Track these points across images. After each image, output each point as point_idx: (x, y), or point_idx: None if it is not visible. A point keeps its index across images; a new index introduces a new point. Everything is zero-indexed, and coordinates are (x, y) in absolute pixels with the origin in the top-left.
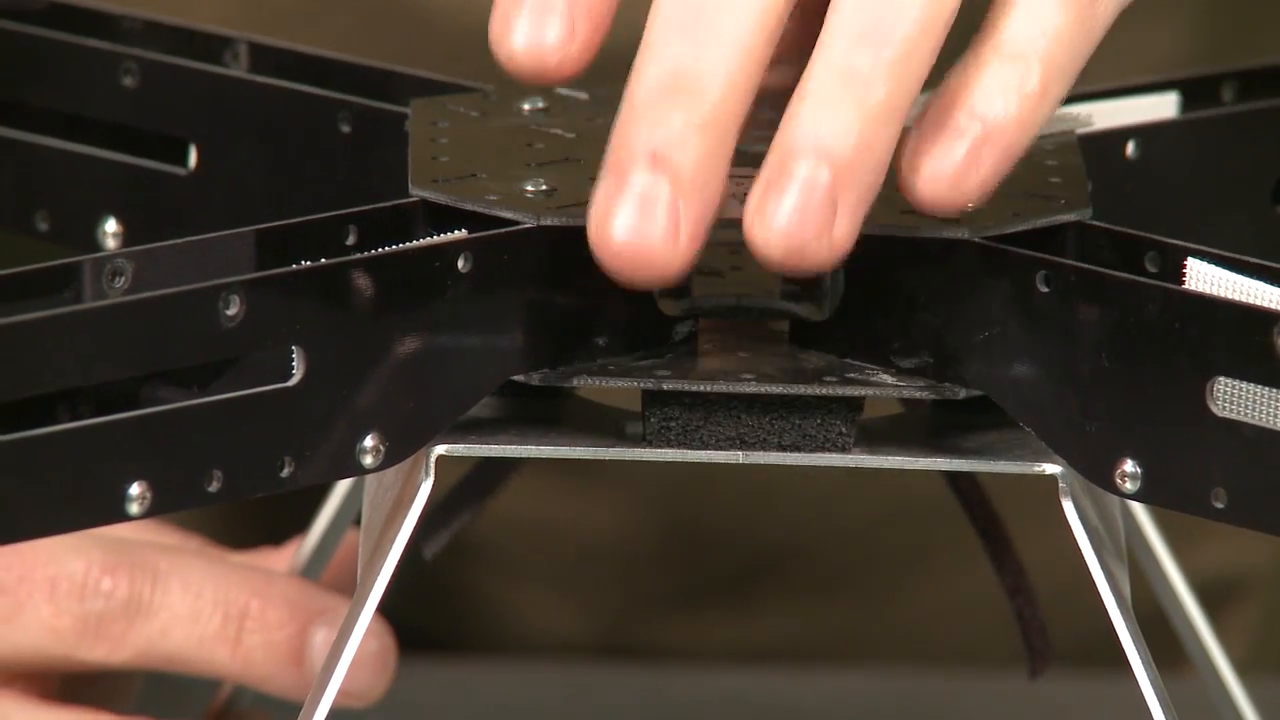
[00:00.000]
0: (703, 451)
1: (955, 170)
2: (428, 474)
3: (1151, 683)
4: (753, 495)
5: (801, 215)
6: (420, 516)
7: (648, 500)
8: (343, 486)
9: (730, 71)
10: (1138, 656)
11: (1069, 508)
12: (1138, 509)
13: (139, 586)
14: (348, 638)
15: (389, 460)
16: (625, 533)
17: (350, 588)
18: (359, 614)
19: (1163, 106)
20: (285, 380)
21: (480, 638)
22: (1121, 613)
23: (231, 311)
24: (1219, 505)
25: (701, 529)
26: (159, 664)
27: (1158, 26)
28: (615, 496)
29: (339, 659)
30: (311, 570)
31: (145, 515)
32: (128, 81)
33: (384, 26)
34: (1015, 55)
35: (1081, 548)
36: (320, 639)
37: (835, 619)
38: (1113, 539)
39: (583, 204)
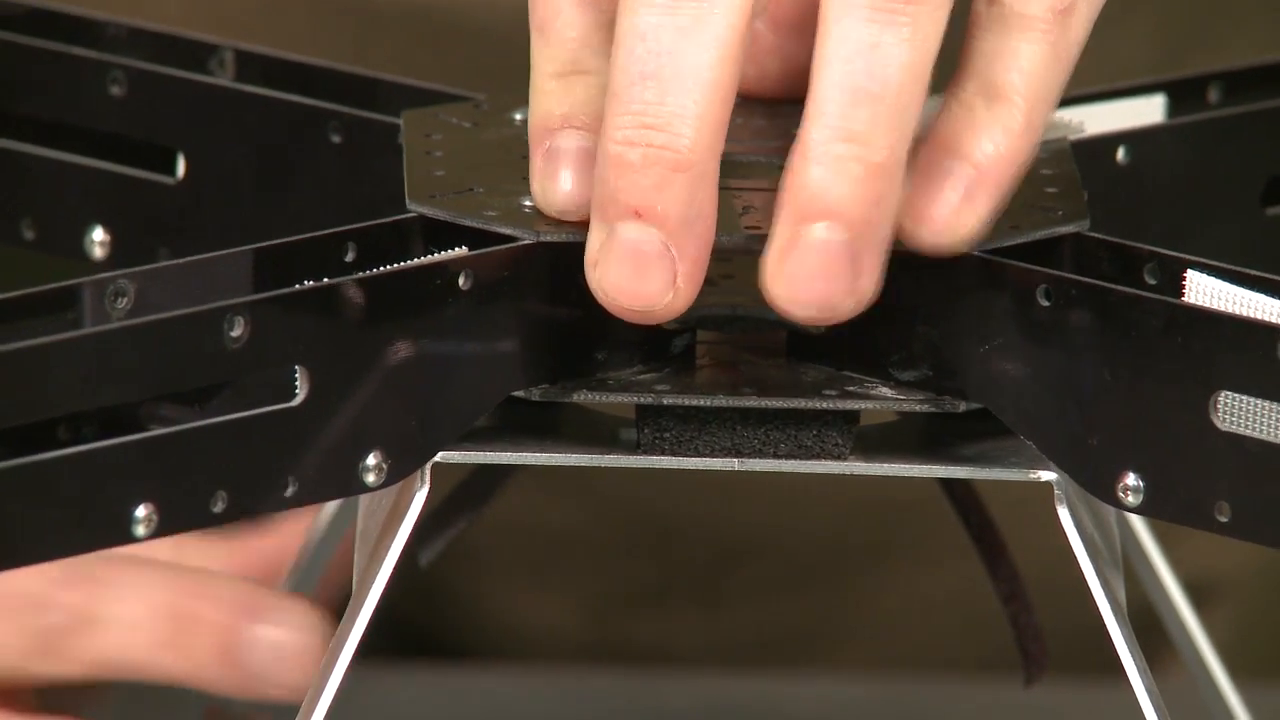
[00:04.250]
0: (698, 459)
1: (952, 214)
2: (424, 481)
3: (1146, 689)
4: (717, 493)
5: (826, 280)
6: (416, 523)
7: (613, 497)
8: None
9: (699, 109)
10: (1133, 662)
11: (1064, 514)
12: (1132, 515)
13: (90, 599)
14: (344, 644)
15: (392, 478)
16: (592, 530)
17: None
18: (355, 619)
19: (1150, 109)
20: (289, 400)
21: (451, 634)
22: (1117, 619)
23: (236, 333)
24: (1222, 519)
25: (668, 526)
26: (111, 674)
27: (1115, 36)
28: (581, 494)
29: (336, 663)
30: (305, 581)
31: (152, 537)
32: (115, 90)
33: (335, 28)
34: (999, 96)
35: (1077, 554)
36: (263, 636)
37: (804, 616)
38: (1108, 545)
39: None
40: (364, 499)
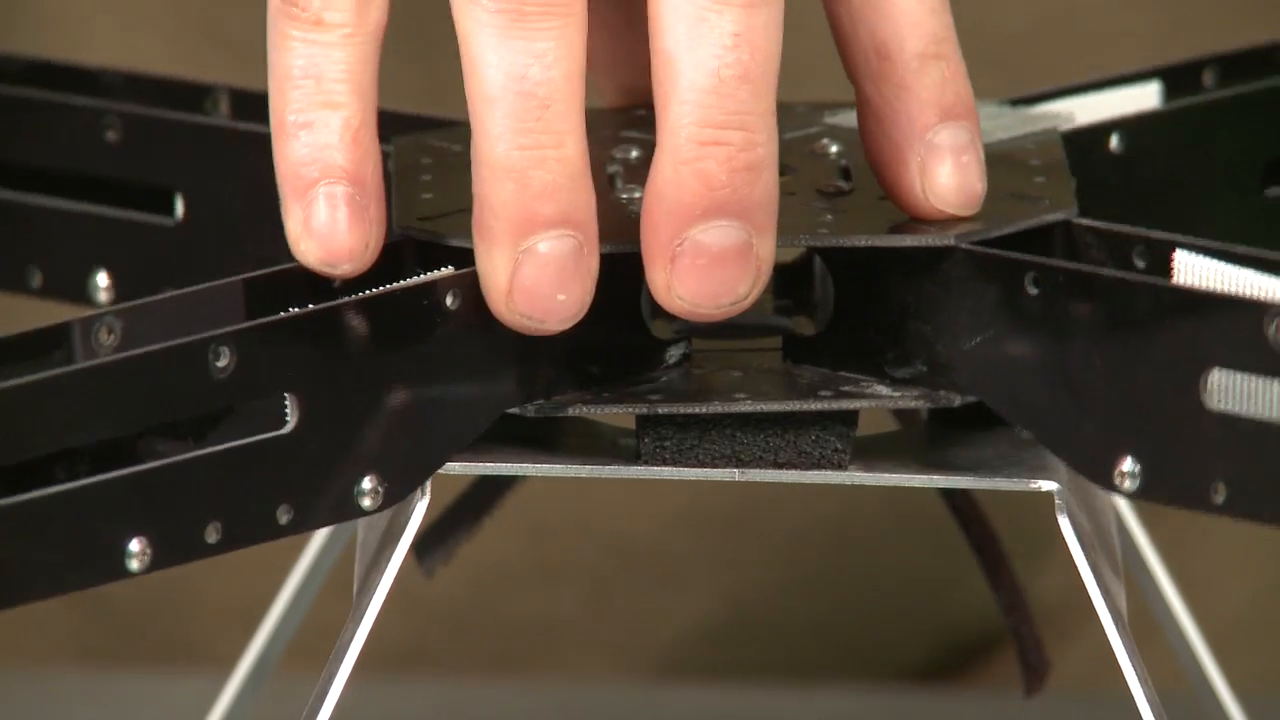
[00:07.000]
0: (699, 469)
1: (963, 169)
2: (424, 492)
3: (1147, 698)
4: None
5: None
6: (416, 534)
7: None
8: None
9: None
10: (1134, 673)
11: (1065, 524)
12: (1133, 525)
13: None
14: (344, 654)
15: (388, 501)
16: None
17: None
18: (356, 630)
19: (1145, 97)
20: (279, 428)
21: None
22: (1118, 629)
23: (222, 363)
24: (1218, 500)
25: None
26: None
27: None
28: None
29: (336, 674)
30: (306, 589)
31: (146, 571)
32: (111, 136)
33: None
34: (922, 55)
35: (1078, 563)
36: None
37: (802, 620)
38: (1109, 555)
39: None
40: None
